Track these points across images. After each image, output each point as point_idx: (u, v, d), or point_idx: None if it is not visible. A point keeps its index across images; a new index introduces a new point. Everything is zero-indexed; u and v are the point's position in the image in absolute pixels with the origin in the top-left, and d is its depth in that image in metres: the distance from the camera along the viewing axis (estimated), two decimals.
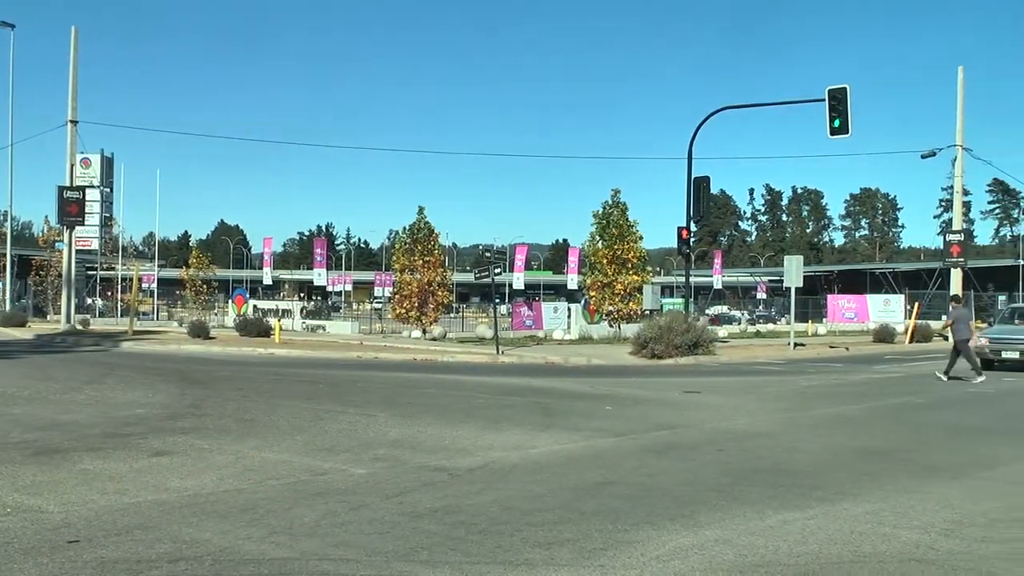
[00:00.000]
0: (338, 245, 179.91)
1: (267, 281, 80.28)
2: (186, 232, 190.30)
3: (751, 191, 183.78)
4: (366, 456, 10.50)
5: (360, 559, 6.38)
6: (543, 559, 6.50)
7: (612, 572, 6.27)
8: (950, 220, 59.26)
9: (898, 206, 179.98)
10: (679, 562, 6.53)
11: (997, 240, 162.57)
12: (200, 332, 36.24)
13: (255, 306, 52.73)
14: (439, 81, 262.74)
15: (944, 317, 51.63)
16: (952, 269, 48.69)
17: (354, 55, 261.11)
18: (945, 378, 22.86)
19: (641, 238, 41.72)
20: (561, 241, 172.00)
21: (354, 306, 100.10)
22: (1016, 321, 29.32)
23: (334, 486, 8.80)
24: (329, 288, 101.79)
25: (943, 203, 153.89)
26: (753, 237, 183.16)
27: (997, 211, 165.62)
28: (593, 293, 41.78)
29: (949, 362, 23.47)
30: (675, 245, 35.12)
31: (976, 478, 10.20)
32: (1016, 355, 26.15)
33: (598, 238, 41.47)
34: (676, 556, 6.68)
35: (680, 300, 44.91)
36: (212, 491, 8.46)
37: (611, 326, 41.91)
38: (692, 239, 34.45)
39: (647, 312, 38.87)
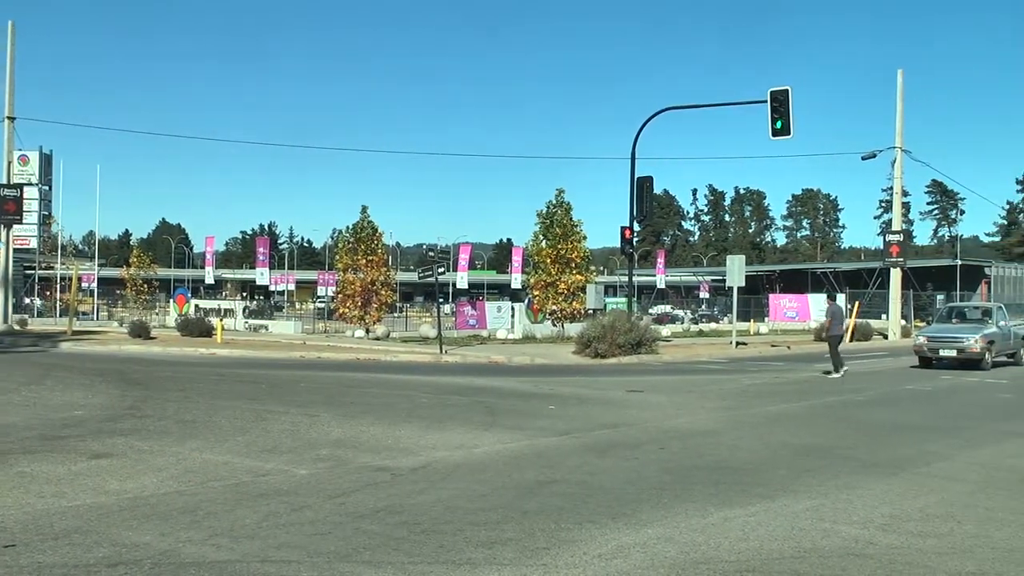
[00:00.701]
0: (281, 244, 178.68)
1: (209, 280, 79.21)
2: (127, 231, 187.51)
3: (694, 191, 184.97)
4: (308, 456, 10.46)
5: (302, 560, 6.35)
6: (485, 558, 6.52)
7: (555, 571, 6.30)
8: (890, 221, 60.20)
9: (839, 207, 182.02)
10: (621, 560, 6.57)
11: (936, 240, 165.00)
12: (141, 332, 35.89)
13: (197, 306, 52.28)
14: (382, 80, 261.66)
15: (883, 316, 52.47)
16: (892, 269, 49.49)
17: (297, 53, 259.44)
18: (838, 375, 23.77)
19: (585, 238, 41.87)
20: (505, 240, 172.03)
21: (297, 305, 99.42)
22: (954, 320, 29.82)
23: (276, 487, 8.76)
24: (272, 287, 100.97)
25: (883, 204, 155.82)
26: (696, 237, 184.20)
27: (936, 212, 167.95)
28: (537, 292, 41.86)
29: (834, 361, 24.43)
30: (619, 245, 35.23)
31: (914, 474, 10.36)
32: (953, 353, 26.58)
33: (542, 237, 41.54)
34: (618, 554, 6.72)
35: (623, 299, 45.08)
36: (152, 493, 8.38)
37: (555, 325, 42.01)
38: (635, 239, 34.54)
39: (590, 311, 38.97)
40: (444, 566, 6.32)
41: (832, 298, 27.87)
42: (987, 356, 26.52)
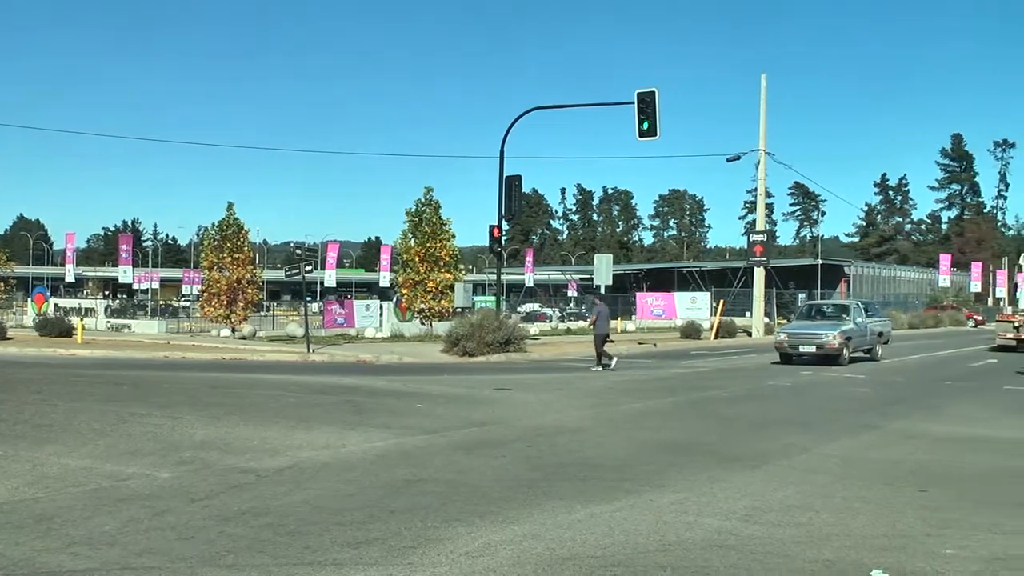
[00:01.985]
0: (145, 242, 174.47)
1: (70, 278, 77.08)
2: None
3: (563, 191, 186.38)
4: (171, 459, 10.26)
5: (163, 566, 6.24)
6: (352, 558, 6.50)
7: (421, 570, 6.31)
8: (754, 221, 61.47)
9: (705, 207, 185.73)
10: (488, 558, 6.62)
11: (798, 240, 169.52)
12: None
13: (56, 304, 50.61)
14: (250, 76, 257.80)
15: (747, 314, 53.67)
16: (755, 268, 50.66)
17: (164, 48, 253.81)
18: (607, 366, 25.27)
19: (453, 236, 41.91)
20: (374, 239, 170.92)
21: (162, 304, 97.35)
22: (814, 317, 30.63)
23: (137, 492, 8.57)
24: (136, 286, 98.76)
25: (747, 205, 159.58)
26: (565, 236, 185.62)
27: (798, 213, 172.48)
28: (405, 291, 41.74)
29: (598, 356, 25.81)
30: (487, 243, 35.34)
31: (775, 466, 10.65)
32: (812, 349, 27.36)
33: (411, 236, 41.44)
34: (485, 552, 6.77)
35: (492, 298, 45.23)
36: (6, 501, 8.12)
37: (423, 324, 41.94)
38: (504, 237, 34.70)
39: (459, 310, 39.03)
40: (310, 567, 6.28)
41: (600, 299, 28.83)
42: (845, 352, 27.37)
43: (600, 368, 25.23)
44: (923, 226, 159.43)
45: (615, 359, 25.85)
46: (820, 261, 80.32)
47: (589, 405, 16.83)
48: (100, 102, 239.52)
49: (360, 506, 8.13)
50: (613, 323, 51.55)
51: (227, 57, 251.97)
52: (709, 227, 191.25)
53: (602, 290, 38.80)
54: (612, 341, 26.09)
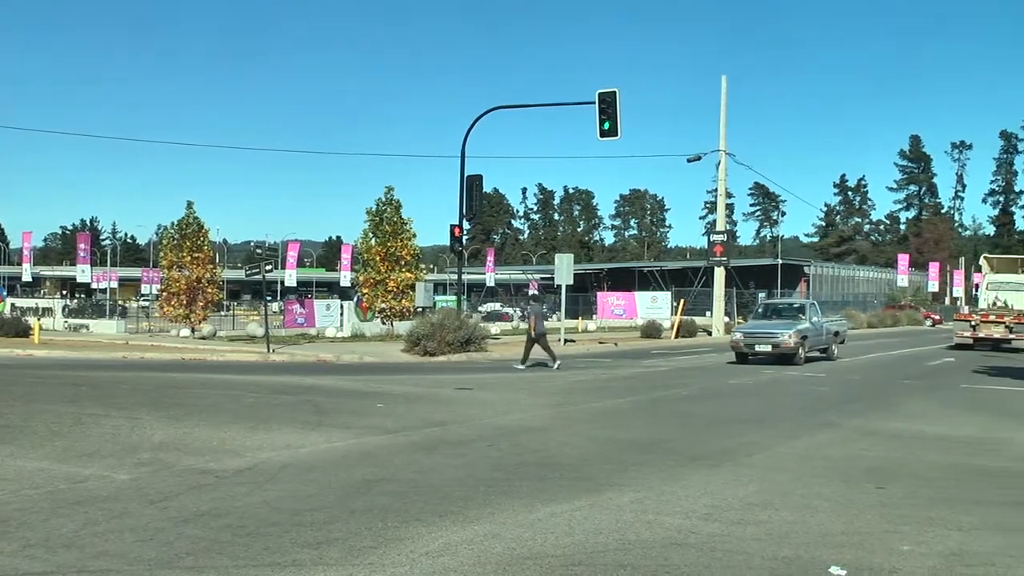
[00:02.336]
0: (104, 240, 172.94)
1: (26, 278, 76.27)
2: None
3: (524, 190, 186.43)
4: (130, 461, 10.18)
5: (121, 569, 6.19)
6: (312, 559, 6.48)
7: (381, 570, 6.30)
8: (714, 221, 61.79)
9: (666, 207, 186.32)
10: (448, 557, 6.62)
11: (758, 240, 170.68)
12: None
13: (13, 304, 50.14)
14: (203, 77, 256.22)
15: (708, 313, 53.93)
16: (716, 268, 50.94)
17: (122, 47, 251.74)
18: (523, 367, 25.67)
19: (415, 235, 41.77)
20: (334, 238, 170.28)
21: (120, 304, 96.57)
22: (769, 317, 30.78)
23: (95, 493, 8.50)
24: (94, 285, 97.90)
25: (708, 205, 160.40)
26: (526, 235, 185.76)
27: (758, 213, 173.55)
28: (366, 290, 41.57)
29: (524, 352, 26.39)
30: (448, 243, 35.32)
31: (736, 465, 10.72)
32: (768, 348, 27.51)
33: (371, 235, 41.27)
34: (446, 551, 6.76)
35: (453, 297, 45.23)
36: None
37: (384, 324, 41.82)
38: (465, 237, 34.72)
39: (420, 309, 38.98)
40: (269, 568, 6.26)
41: (535, 299, 29.20)
42: (800, 351, 27.52)
43: (558, 364, 25.69)
44: (882, 226, 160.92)
45: (558, 362, 26.05)
46: (780, 261, 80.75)
47: (550, 404, 16.86)
48: (57, 100, 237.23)
49: (320, 507, 8.10)
50: (573, 322, 51.98)
51: (187, 56, 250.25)
52: (670, 227, 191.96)
53: (563, 289, 38.94)
54: (534, 342, 26.28)
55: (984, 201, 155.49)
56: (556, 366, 25.50)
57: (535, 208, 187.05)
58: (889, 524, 7.87)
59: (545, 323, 27.20)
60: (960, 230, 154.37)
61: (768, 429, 14.00)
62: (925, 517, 8.13)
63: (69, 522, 7.39)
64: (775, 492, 9.11)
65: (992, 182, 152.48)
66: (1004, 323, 37.40)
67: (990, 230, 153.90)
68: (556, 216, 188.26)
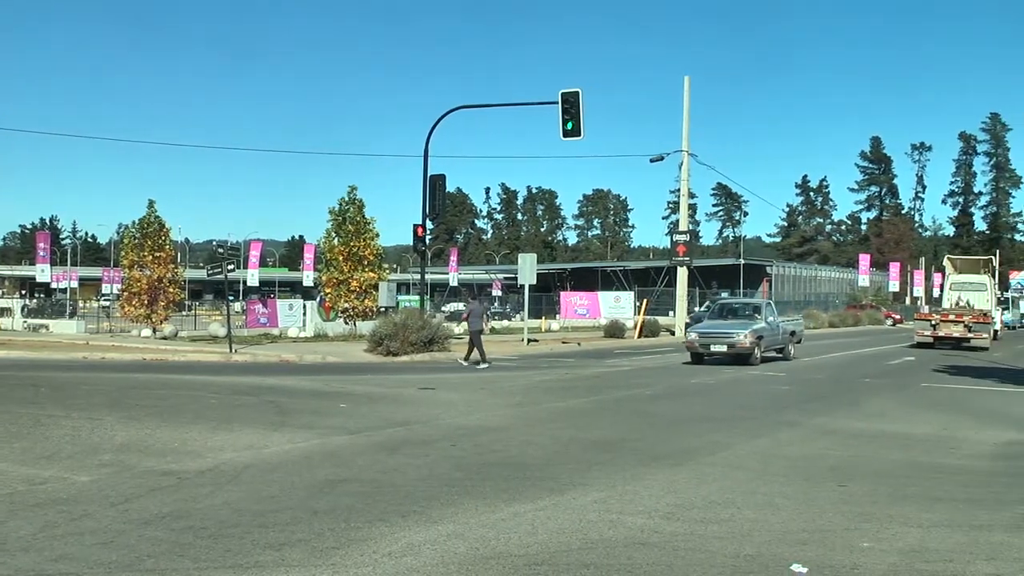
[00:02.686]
0: (64, 239, 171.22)
1: None
2: None
3: (487, 190, 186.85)
4: (90, 462, 10.09)
5: (81, 572, 6.13)
6: (274, 560, 6.45)
7: (344, 571, 6.28)
8: (677, 221, 62.17)
9: (629, 207, 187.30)
10: (411, 558, 6.61)
11: (720, 240, 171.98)
12: None
13: None
14: (164, 73, 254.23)
15: (671, 313, 54.16)
16: (678, 267, 51.20)
17: (74, 43, 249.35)
18: (465, 363, 26.87)
19: (378, 235, 41.70)
20: (297, 237, 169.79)
21: (81, 304, 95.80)
22: (725, 317, 30.85)
23: (54, 496, 8.41)
24: (54, 285, 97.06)
25: (671, 205, 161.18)
26: (489, 235, 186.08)
27: (720, 213, 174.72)
28: (329, 290, 41.44)
29: (467, 351, 27.52)
30: (411, 242, 35.28)
31: (698, 464, 10.76)
32: (724, 348, 27.54)
33: (334, 235, 41.15)
34: (409, 552, 6.75)
35: (416, 297, 45.16)
36: None
37: (347, 323, 41.71)
38: (428, 236, 34.70)
39: (383, 309, 38.92)
40: (232, 570, 6.22)
41: (474, 298, 29.59)
42: (756, 351, 27.58)
43: (486, 366, 26.22)
44: (843, 227, 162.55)
45: (487, 364, 26.55)
46: (742, 261, 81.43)
47: (513, 404, 16.87)
48: (17, 95, 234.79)
49: (283, 507, 8.06)
50: (536, 322, 52.09)
51: (149, 50, 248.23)
52: (633, 227, 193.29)
53: (526, 289, 38.99)
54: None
55: (944, 202, 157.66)
56: (484, 367, 25.91)
57: (498, 208, 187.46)
58: (850, 522, 7.93)
59: (484, 323, 27.70)
60: (920, 231, 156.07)
61: (730, 428, 14.07)
62: (885, 515, 8.21)
63: (27, 525, 7.31)
64: (738, 490, 9.16)
65: (951, 183, 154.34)
66: (963, 322, 37.86)
67: (950, 231, 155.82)
68: (519, 216, 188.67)
